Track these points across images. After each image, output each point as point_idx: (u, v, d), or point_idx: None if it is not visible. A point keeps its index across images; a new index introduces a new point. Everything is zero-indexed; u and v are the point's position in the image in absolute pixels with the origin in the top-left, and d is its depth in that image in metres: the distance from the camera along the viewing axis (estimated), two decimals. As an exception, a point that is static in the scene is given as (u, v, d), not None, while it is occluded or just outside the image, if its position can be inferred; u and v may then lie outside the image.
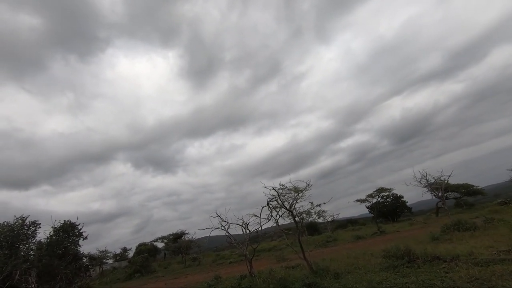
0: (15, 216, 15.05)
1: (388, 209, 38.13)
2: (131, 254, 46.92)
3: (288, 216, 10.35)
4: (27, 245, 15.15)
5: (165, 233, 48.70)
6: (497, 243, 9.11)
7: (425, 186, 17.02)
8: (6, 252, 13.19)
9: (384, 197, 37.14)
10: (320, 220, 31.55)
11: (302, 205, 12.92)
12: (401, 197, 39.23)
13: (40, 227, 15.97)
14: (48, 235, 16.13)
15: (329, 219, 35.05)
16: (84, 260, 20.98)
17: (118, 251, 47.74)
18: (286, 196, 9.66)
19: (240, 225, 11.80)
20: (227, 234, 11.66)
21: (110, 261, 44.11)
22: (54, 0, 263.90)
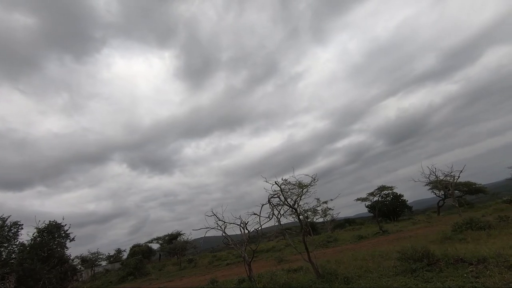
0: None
1: (388, 208, 37.38)
2: (125, 255, 45.72)
3: (291, 214, 9.42)
4: (8, 248, 14.05)
5: (162, 234, 47.62)
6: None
7: (430, 183, 16.17)
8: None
9: (384, 196, 36.38)
10: (327, 219, 29.61)
11: (306, 202, 11.99)
12: (401, 196, 38.53)
13: (22, 228, 14.89)
14: (31, 237, 15.02)
15: (328, 219, 34.15)
16: (72, 263, 19.89)
17: (112, 252, 46.55)
18: (289, 192, 8.73)
19: (238, 225, 10.86)
20: (224, 234, 10.70)
21: (104, 263, 42.89)
22: (49, 0, 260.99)
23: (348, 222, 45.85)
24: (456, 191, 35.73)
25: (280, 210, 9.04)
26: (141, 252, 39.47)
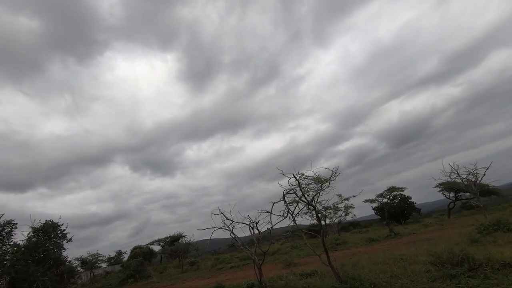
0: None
1: (396, 210, 36.30)
2: (126, 257, 44.80)
3: (306, 212, 8.52)
4: (3, 248, 13.21)
5: (163, 236, 46.68)
6: None
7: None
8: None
9: (392, 198, 35.31)
10: (334, 220, 26.51)
11: (325, 199, 11.08)
12: (409, 198, 37.45)
13: (16, 227, 14.06)
14: (26, 237, 14.18)
15: (336, 220, 33.02)
16: (70, 265, 19.03)
17: (113, 254, 45.64)
18: (306, 188, 7.85)
19: (247, 225, 9.98)
20: (232, 235, 9.82)
21: (104, 265, 42.00)
22: (53, 3, 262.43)
23: (352, 225, 44.73)
24: (467, 193, 34.65)
25: (295, 207, 8.15)
26: (142, 254, 38.54)
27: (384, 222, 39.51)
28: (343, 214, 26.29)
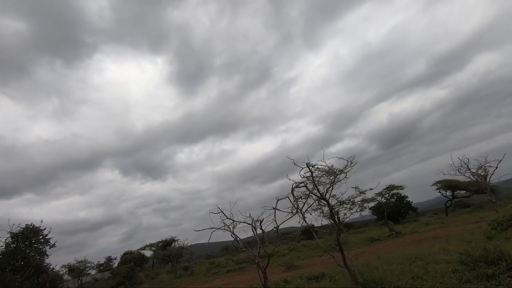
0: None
1: (392, 209, 35.90)
2: (116, 264, 43.13)
3: (315, 209, 7.71)
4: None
5: (155, 241, 45.17)
6: None
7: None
8: None
9: (389, 197, 34.89)
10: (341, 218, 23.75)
11: (336, 193, 10.31)
12: (405, 197, 37.16)
13: (-8, 233, 12.77)
14: (3, 243, 12.89)
15: (350, 216, 31.71)
16: (53, 272, 17.69)
17: (102, 260, 43.91)
18: (318, 181, 7.03)
19: (249, 224, 9.11)
20: (233, 236, 8.93)
21: (93, 272, 40.27)
22: (40, 5, 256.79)
23: (346, 226, 44.17)
24: (463, 191, 34.51)
25: (304, 203, 7.32)
26: (133, 260, 37.07)
27: (381, 222, 39.13)
28: (358, 209, 23.79)
